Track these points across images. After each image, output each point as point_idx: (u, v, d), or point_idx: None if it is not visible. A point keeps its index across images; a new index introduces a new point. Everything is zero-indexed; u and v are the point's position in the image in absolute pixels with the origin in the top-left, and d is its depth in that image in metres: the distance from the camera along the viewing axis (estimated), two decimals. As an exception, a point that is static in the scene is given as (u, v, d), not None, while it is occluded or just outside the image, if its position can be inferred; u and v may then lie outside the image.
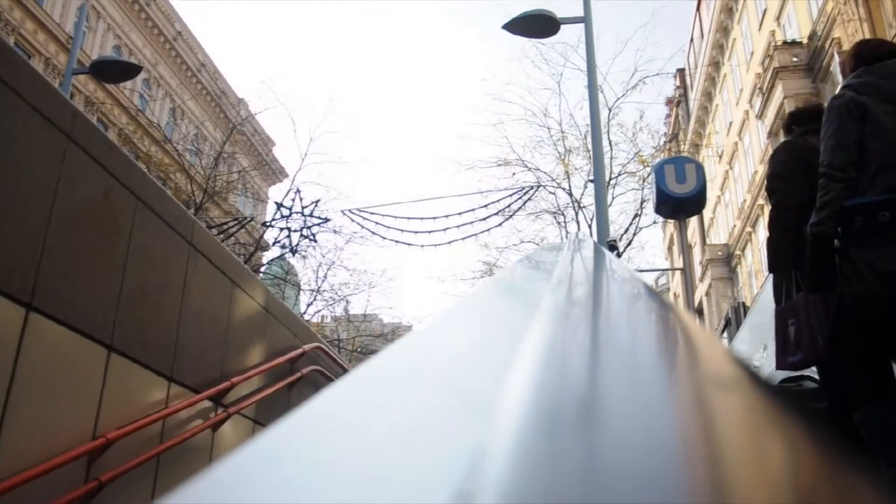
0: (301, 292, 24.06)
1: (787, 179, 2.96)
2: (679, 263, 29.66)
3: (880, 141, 2.48)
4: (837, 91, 2.72)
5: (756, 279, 19.79)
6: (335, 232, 17.16)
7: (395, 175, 72.69)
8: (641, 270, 13.16)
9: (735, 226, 22.83)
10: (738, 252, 22.52)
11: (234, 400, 4.99)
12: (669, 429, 0.35)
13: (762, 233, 19.06)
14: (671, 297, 22.96)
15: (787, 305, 2.89)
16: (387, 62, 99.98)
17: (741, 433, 0.39)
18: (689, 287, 8.47)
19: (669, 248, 32.66)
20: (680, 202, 7.67)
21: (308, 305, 23.55)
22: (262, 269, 24.17)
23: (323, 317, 24.97)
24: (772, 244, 3.03)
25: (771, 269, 3.06)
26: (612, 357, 0.56)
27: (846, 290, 2.47)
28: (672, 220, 23.37)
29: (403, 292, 50.51)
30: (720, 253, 23.97)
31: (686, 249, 8.23)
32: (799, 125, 3.23)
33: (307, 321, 23.33)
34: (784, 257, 2.95)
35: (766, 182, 3.16)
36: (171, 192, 19.83)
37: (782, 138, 3.40)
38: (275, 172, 30.54)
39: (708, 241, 25.97)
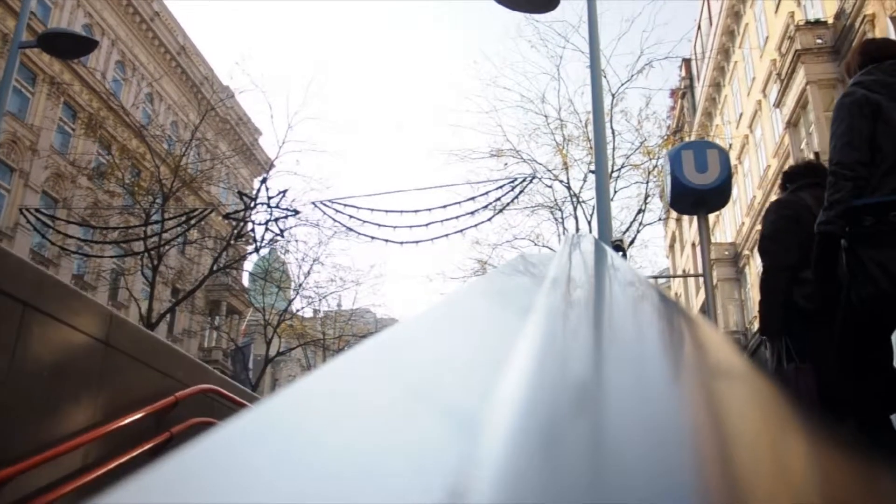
0: (283, 290, 22.87)
1: (777, 240, 3.03)
2: (682, 262, 28.39)
3: (892, 140, 2.45)
4: (847, 88, 2.65)
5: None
6: (315, 226, 15.80)
7: (381, 167, 71.08)
8: (654, 277, 11.82)
9: (744, 223, 21.46)
10: (746, 252, 21.15)
11: (19, 499, 3.36)
12: (680, 433, 0.34)
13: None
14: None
15: (779, 375, 2.83)
16: (372, 45, 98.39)
17: (759, 441, 0.38)
18: (709, 293, 7.12)
19: (671, 247, 31.34)
20: (701, 194, 6.34)
21: (289, 303, 22.38)
22: (252, 265, 22.80)
23: (315, 310, 23.60)
24: (763, 308, 3.06)
25: (762, 333, 3.08)
26: (618, 361, 0.52)
27: (854, 290, 2.46)
28: (676, 216, 22.02)
29: (394, 289, 49.04)
30: (727, 252, 22.62)
31: (707, 250, 6.83)
32: (792, 182, 3.25)
33: (290, 316, 21.94)
34: (775, 321, 2.98)
35: (758, 243, 3.20)
36: (145, 181, 18.43)
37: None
38: (260, 163, 29.18)
39: (713, 240, 24.60)
